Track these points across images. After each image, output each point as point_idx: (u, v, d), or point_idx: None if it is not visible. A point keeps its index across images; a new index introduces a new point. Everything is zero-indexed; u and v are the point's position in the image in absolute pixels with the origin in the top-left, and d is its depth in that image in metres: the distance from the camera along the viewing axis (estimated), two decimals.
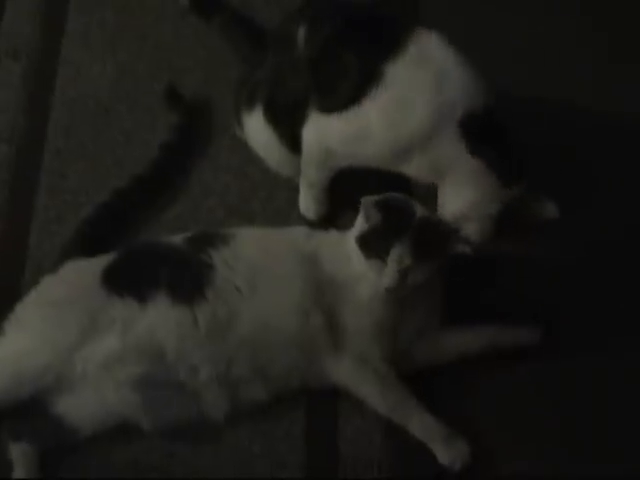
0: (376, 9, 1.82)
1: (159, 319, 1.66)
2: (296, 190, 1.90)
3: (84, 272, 1.73)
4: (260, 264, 1.70)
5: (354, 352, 1.68)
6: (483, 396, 1.73)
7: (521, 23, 2.15)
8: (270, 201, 1.94)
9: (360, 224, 1.66)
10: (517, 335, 1.74)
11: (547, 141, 1.94)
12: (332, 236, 1.76)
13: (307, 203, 1.89)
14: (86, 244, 1.83)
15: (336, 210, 1.89)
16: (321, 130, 1.75)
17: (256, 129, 1.87)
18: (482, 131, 1.67)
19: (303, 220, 1.90)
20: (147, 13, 2.20)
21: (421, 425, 1.66)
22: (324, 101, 1.73)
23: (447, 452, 1.65)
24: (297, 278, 1.69)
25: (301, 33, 1.76)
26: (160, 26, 2.18)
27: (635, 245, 1.88)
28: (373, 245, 1.63)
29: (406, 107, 1.67)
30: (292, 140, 1.81)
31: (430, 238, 1.62)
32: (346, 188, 1.82)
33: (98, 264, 1.73)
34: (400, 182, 1.76)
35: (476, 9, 2.17)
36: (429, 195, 1.73)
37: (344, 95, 1.70)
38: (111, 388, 1.65)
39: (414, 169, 1.72)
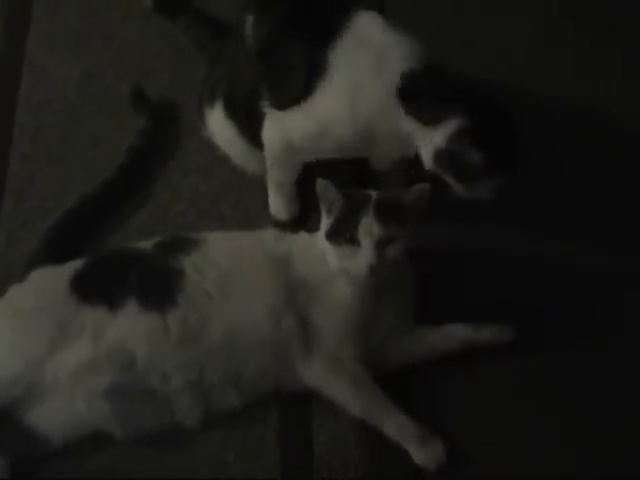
0: None
1: (129, 326, 1.64)
2: (265, 190, 1.89)
3: (52, 280, 1.72)
4: (231, 268, 1.70)
5: (327, 354, 1.67)
6: (459, 396, 1.72)
7: (490, 19, 2.15)
8: (240, 202, 1.93)
9: (325, 221, 1.67)
10: (492, 333, 1.73)
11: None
12: (302, 238, 1.76)
13: (278, 204, 1.88)
14: (53, 251, 1.81)
15: (306, 212, 1.88)
16: (280, 128, 1.74)
17: (218, 124, 1.87)
18: (426, 87, 1.64)
19: (273, 221, 1.89)
20: (112, 14, 2.19)
21: (395, 426, 1.65)
22: (277, 97, 1.73)
23: (422, 452, 1.65)
24: (268, 281, 1.69)
25: (249, 22, 1.74)
26: (125, 27, 2.17)
27: (621, 243, 1.87)
28: (342, 230, 1.64)
29: (356, 92, 1.66)
30: (252, 133, 1.80)
31: (393, 207, 1.64)
32: (314, 190, 1.81)
33: (66, 271, 1.72)
34: (366, 182, 1.79)
35: (442, 4, 2.16)
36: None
37: (295, 89, 1.70)
38: (82, 397, 1.63)
39: (383, 151, 1.71)
